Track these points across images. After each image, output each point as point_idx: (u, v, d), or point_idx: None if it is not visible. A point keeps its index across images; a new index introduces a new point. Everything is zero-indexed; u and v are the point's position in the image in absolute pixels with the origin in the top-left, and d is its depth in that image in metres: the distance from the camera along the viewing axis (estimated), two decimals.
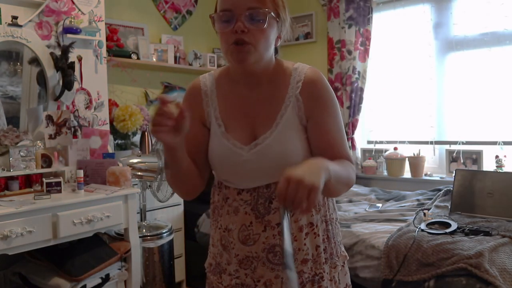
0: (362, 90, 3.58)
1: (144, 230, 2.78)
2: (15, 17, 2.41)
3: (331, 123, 1.14)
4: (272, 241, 1.13)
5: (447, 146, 3.34)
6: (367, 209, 2.87)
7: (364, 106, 3.64)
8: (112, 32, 3.20)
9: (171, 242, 2.85)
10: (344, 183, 1.10)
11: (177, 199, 3.11)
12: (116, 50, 3.14)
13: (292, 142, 1.11)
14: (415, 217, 2.50)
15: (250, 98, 1.16)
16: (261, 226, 1.14)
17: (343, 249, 1.26)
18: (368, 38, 3.54)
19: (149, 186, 2.87)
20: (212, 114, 1.18)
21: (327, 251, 1.19)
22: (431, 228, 2.28)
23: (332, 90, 1.18)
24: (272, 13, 1.09)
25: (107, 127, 2.86)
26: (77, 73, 2.66)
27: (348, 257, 1.28)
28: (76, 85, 2.67)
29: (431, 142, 3.40)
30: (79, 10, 2.69)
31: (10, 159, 2.27)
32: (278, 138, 1.11)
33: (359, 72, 3.56)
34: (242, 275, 1.17)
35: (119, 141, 3.08)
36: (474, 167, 3.14)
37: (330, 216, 1.21)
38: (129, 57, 3.18)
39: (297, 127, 1.13)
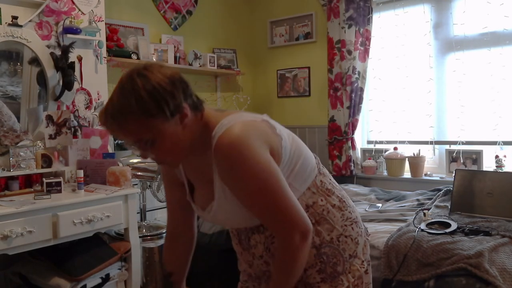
0: (362, 90, 3.58)
1: (144, 230, 2.78)
2: (15, 17, 2.41)
3: (247, 197, 1.07)
4: (263, 267, 1.24)
5: (447, 146, 3.34)
6: (367, 209, 2.87)
7: (364, 106, 3.64)
8: (112, 32, 3.20)
9: None
10: (292, 276, 1.11)
11: None
12: (116, 50, 3.14)
13: (234, 210, 1.14)
14: (415, 217, 2.50)
15: (196, 163, 1.19)
16: (249, 255, 1.26)
17: (356, 262, 1.23)
18: (368, 38, 3.54)
19: (149, 186, 2.87)
20: (183, 174, 1.27)
21: (324, 271, 1.19)
22: (431, 228, 2.28)
23: (252, 158, 1.03)
24: (149, 126, 1.04)
25: None
26: (77, 73, 2.66)
27: (365, 267, 1.26)
28: (76, 85, 2.67)
29: (431, 142, 3.40)
30: (79, 10, 2.69)
31: (10, 159, 2.28)
32: (221, 207, 1.15)
33: (359, 72, 3.56)
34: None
35: (119, 141, 3.08)
36: (474, 167, 3.14)
37: (325, 238, 1.19)
38: (129, 57, 3.18)
39: (231, 193, 1.11)
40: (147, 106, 1.02)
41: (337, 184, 1.29)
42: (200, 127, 1.12)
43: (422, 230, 2.26)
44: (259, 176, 1.04)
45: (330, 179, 1.26)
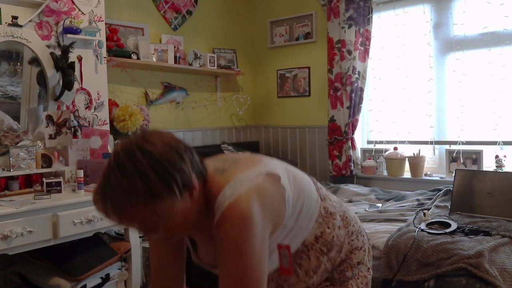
0: (362, 90, 3.58)
1: None
2: (15, 17, 2.41)
3: (225, 270, 1.00)
4: None
5: (447, 146, 3.34)
6: (367, 209, 2.87)
7: (364, 106, 3.64)
8: (112, 32, 3.19)
9: None
10: None
11: None
12: (116, 50, 3.14)
13: None
14: (415, 217, 2.50)
15: (200, 224, 1.08)
16: None
17: (363, 268, 1.26)
18: (368, 38, 3.54)
19: None
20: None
21: (331, 279, 1.21)
22: (431, 228, 2.28)
23: (250, 244, 0.97)
24: (156, 209, 0.93)
25: (107, 127, 2.86)
26: (77, 73, 2.66)
27: (371, 273, 1.29)
28: (76, 85, 2.67)
29: (431, 142, 3.40)
30: (79, 10, 2.69)
31: (10, 159, 2.28)
32: None
33: (359, 72, 3.56)
34: None
35: (119, 141, 3.08)
36: (474, 167, 3.14)
37: (336, 261, 1.22)
38: (129, 57, 3.18)
39: None
40: (156, 188, 0.90)
41: (334, 198, 1.29)
42: (204, 194, 1.03)
43: (422, 230, 2.26)
44: (247, 261, 0.97)
45: (330, 200, 1.25)
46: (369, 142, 3.80)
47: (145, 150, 0.92)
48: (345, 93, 3.60)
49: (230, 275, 0.98)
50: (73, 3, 2.66)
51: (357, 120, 3.62)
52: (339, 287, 1.21)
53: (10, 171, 2.27)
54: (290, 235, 1.12)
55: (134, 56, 3.21)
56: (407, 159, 3.46)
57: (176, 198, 0.93)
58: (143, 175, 0.90)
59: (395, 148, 3.51)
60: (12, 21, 2.40)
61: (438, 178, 3.32)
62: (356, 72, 3.55)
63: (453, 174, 2.76)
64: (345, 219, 1.24)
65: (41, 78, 2.59)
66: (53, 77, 2.59)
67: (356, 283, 1.22)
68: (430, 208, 2.68)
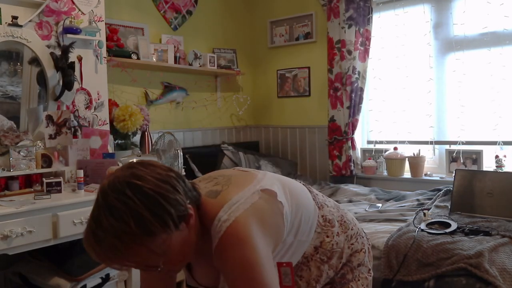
0: (362, 90, 3.58)
1: None
2: (15, 17, 2.40)
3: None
4: None
5: (447, 146, 3.34)
6: (367, 209, 2.87)
7: (364, 106, 3.64)
8: (112, 32, 3.19)
9: None
10: None
11: None
12: (116, 50, 3.14)
13: None
14: (415, 217, 2.50)
15: (197, 249, 1.04)
16: None
17: (363, 270, 1.26)
18: (368, 38, 3.54)
19: None
20: None
21: (332, 282, 1.21)
22: (431, 228, 2.28)
23: (250, 256, 0.94)
24: (153, 247, 0.88)
25: (107, 127, 2.86)
26: (77, 73, 2.66)
27: (371, 275, 1.29)
28: (76, 85, 2.66)
29: (431, 142, 3.40)
30: (79, 10, 2.69)
31: (10, 159, 2.27)
32: None
33: (359, 72, 3.56)
34: None
35: (119, 141, 3.08)
36: (474, 167, 3.14)
37: (338, 267, 1.21)
38: (129, 57, 3.18)
39: None
40: (151, 226, 0.86)
41: (331, 203, 1.28)
42: (199, 218, 1.00)
43: (422, 230, 2.26)
44: (259, 281, 0.94)
45: (327, 206, 1.24)
46: (369, 142, 3.80)
47: (135, 186, 0.87)
48: (345, 93, 3.60)
49: None
50: (73, 3, 2.66)
51: (357, 120, 3.62)
52: None
53: (10, 171, 2.27)
54: (290, 250, 1.11)
55: (134, 56, 3.21)
56: (407, 159, 3.46)
57: (172, 232, 0.89)
58: (136, 215, 0.84)
59: (395, 148, 3.51)
60: (12, 21, 2.40)
61: (438, 178, 3.32)
62: (356, 72, 3.55)
63: (453, 174, 2.76)
64: (343, 224, 1.23)
65: (41, 78, 2.58)
66: (53, 77, 2.59)
67: (356, 285, 1.22)
68: (430, 208, 2.68)
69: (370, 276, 1.28)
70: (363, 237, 1.29)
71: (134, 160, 0.95)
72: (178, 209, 0.90)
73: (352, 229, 1.25)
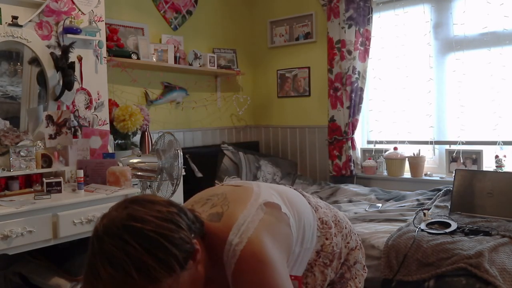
0: (362, 90, 3.58)
1: None
2: (15, 17, 2.40)
3: None
4: None
5: (447, 146, 3.34)
6: (367, 209, 2.87)
7: (364, 106, 3.64)
8: (112, 32, 3.19)
9: None
10: None
11: (177, 199, 3.11)
12: (116, 50, 3.14)
13: None
14: (415, 217, 2.50)
15: (209, 281, 0.97)
16: None
17: (359, 267, 1.27)
18: (368, 38, 3.54)
19: (149, 186, 2.87)
20: None
21: (331, 283, 1.21)
22: (431, 228, 2.28)
23: (270, 277, 0.90)
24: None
25: (107, 127, 2.86)
26: (77, 73, 2.66)
27: (366, 271, 1.30)
28: (76, 85, 2.66)
29: (431, 142, 3.40)
30: (79, 10, 2.69)
31: (10, 159, 2.27)
32: None
33: (359, 72, 3.56)
34: None
35: (119, 141, 3.08)
36: (474, 167, 3.14)
37: (338, 268, 1.21)
38: (129, 57, 3.18)
39: None
40: (155, 274, 0.77)
41: (322, 203, 1.27)
42: (205, 247, 0.92)
43: (422, 230, 2.26)
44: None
45: (321, 207, 1.23)
46: (369, 142, 3.80)
47: (134, 229, 0.78)
48: (345, 93, 3.60)
49: None
50: (73, 3, 2.66)
51: (357, 120, 3.62)
52: None
53: (10, 171, 2.27)
54: (298, 260, 1.09)
55: (134, 56, 3.21)
56: (407, 159, 3.46)
57: (179, 274, 0.81)
58: (138, 263, 0.76)
59: (395, 148, 3.51)
60: (12, 21, 2.40)
61: (438, 178, 3.32)
62: (356, 72, 3.55)
63: (453, 174, 2.76)
64: (338, 224, 1.23)
65: (41, 78, 2.58)
66: (53, 77, 2.59)
67: (354, 283, 1.24)
68: (430, 208, 2.68)
69: (365, 272, 1.29)
70: (355, 234, 1.30)
71: (128, 197, 0.85)
72: (183, 248, 0.81)
73: (346, 228, 1.25)
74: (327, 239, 1.17)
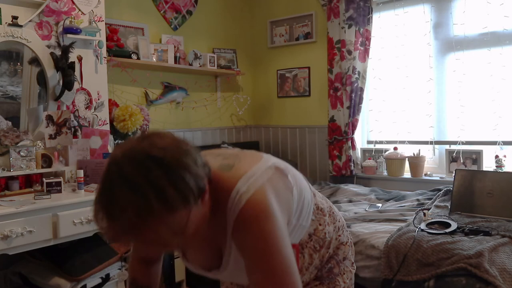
0: (362, 90, 3.58)
1: None
2: (15, 17, 2.41)
3: (258, 268, 0.91)
4: None
5: (446, 146, 3.34)
6: (367, 209, 2.87)
7: (364, 106, 3.64)
8: (112, 32, 3.19)
9: None
10: None
11: None
12: (116, 50, 3.14)
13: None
14: (415, 217, 2.50)
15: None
16: None
17: (348, 263, 1.28)
18: (368, 38, 3.54)
19: None
20: None
21: (320, 277, 1.22)
22: (431, 228, 2.28)
23: (272, 229, 0.92)
24: (172, 224, 0.81)
25: (107, 127, 2.86)
26: (77, 73, 2.66)
27: (355, 268, 1.31)
28: (76, 85, 2.67)
29: (431, 142, 3.40)
30: (79, 10, 2.69)
31: (10, 159, 2.28)
32: (234, 269, 1.02)
33: (359, 72, 3.56)
34: None
35: (119, 141, 3.08)
36: (474, 167, 3.14)
37: (325, 257, 1.22)
38: (129, 57, 3.18)
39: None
40: (173, 202, 0.78)
41: (320, 194, 1.28)
42: (210, 193, 0.92)
43: (422, 230, 2.26)
44: (281, 255, 0.92)
45: (319, 197, 1.25)
46: (369, 142, 3.80)
47: (157, 157, 0.78)
48: (345, 93, 3.61)
49: (269, 272, 0.90)
50: (73, 3, 2.66)
51: (357, 120, 3.62)
52: (327, 285, 1.22)
53: (10, 171, 2.27)
54: (292, 233, 1.11)
55: (134, 56, 3.21)
56: (407, 159, 3.46)
57: (192, 208, 0.82)
58: (159, 190, 0.77)
59: (395, 148, 3.51)
60: (12, 21, 2.40)
61: (438, 178, 3.32)
62: (356, 72, 3.55)
63: (453, 174, 2.76)
64: (332, 215, 1.25)
65: (41, 78, 2.59)
66: (53, 77, 2.59)
67: (342, 279, 1.25)
68: (430, 208, 2.68)
69: (354, 269, 1.30)
70: (347, 231, 1.32)
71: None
72: (199, 183, 0.83)
73: (339, 221, 1.27)
74: (320, 224, 1.19)
